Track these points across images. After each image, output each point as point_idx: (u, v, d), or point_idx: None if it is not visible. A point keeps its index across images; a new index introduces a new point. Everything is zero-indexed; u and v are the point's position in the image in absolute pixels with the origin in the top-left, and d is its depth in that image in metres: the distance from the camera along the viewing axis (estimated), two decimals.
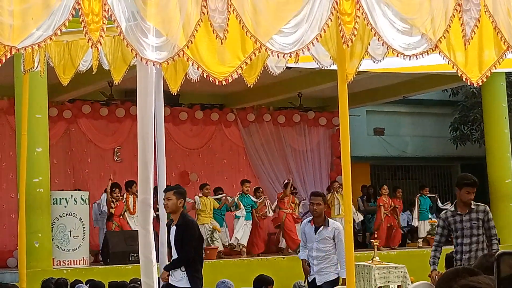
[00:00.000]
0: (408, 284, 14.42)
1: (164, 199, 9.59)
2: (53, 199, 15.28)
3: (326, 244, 10.52)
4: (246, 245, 18.55)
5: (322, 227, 10.54)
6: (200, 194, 18.45)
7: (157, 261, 7.39)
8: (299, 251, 11.37)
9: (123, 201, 17.48)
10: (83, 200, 15.89)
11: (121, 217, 17.33)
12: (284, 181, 20.37)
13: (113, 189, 17.42)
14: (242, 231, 18.52)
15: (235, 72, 6.67)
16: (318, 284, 10.56)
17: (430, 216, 20.69)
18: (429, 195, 21.37)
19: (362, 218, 20.79)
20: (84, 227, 15.74)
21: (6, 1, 6.05)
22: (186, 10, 6.42)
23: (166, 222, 9.78)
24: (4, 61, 6.15)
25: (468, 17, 7.08)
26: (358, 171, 20.38)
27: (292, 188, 19.87)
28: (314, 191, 11.64)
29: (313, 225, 10.61)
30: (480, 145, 23.60)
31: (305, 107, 21.93)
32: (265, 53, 7.13)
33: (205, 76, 6.69)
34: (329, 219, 10.91)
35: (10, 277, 14.81)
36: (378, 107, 24.49)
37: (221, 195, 18.88)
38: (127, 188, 17.67)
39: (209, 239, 17.68)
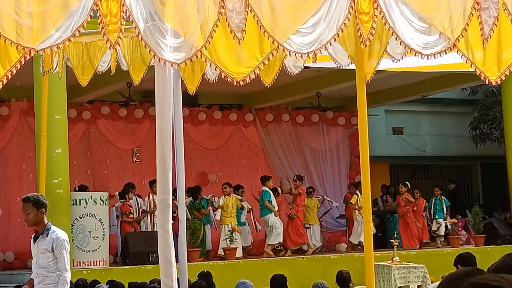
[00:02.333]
0: (428, 284, 14.40)
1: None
2: (73, 200, 15.33)
3: (46, 259, 8.57)
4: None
5: (40, 237, 8.62)
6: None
7: (177, 261, 7.39)
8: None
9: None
10: (102, 201, 15.93)
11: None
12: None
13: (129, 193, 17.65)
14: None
15: (253, 73, 6.67)
16: None
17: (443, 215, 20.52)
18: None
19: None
20: (103, 228, 15.78)
21: (25, 3, 6.08)
22: (204, 11, 6.43)
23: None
24: (23, 62, 6.18)
25: (486, 16, 7.05)
26: (377, 170, 20.33)
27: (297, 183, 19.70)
28: (23, 197, 8.81)
29: (33, 234, 8.81)
30: (500, 144, 23.47)
31: (323, 107, 21.90)
32: (282, 53, 7.13)
33: (222, 77, 6.70)
34: (54, 227, 8.77)
35: None
36: (397, 106, 24.42)
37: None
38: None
39: (228, 239, 17.67)
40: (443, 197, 20.90)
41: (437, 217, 20.41)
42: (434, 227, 20.35)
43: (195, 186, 18.80)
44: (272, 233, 18.38)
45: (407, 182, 20.88)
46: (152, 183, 17.71)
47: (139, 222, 17.72)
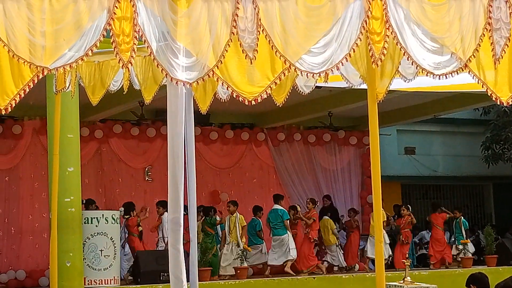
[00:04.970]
0: None
1: None
2: (85, 219, 15.34)
3: None
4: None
5: None
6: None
7: (188, 280, 7.39)
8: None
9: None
10: (114, 219, 15.93)
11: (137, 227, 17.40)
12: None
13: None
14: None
15: (265, 92, 6.69)
16: None
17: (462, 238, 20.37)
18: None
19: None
20: (115, 247, 15.78)
21: (38, 23, 6.12)
22: (216, 31, 6.46)
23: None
24: (36, 81, 6.22)
25: (498, 36, 7.06)
26: (389, 190, 20.29)
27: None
28: None
29: None
30: None
31: (335, 126, 21.89)
32: (294, 73, 7.15)
33: (234, 96, 6.72)
34: None
35: None
36: (409, 126, 24.39)
37: None
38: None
39: (239, 259, 17.63)
40: (462, 219, 20.73)
41: (456, 243, 20.27)
42: (454, 252, 20.19)
43: (208, 206, 18.67)
44: (289, 251, 18.25)
45: (409, 206, 20.79)
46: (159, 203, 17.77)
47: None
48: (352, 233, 20.34)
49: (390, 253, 19.50)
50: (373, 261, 18.90)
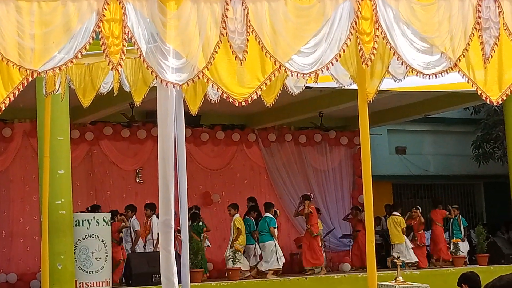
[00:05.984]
0: None
1: None
2: (76, 221, 15.30)
3: None
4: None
5: None
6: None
7: (179, 282, 7.38)
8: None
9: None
10: (105, 221, 15.89)
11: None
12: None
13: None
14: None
15: (255, 93, 6.69)
16: None
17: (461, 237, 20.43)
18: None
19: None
20: (106, 249, 15.75)
21: (28, 26, 6.11)
22: (206, 32, 6.46)
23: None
24: (25, 84, 6.20)
25: (487, 36, 7.08)
26: (380, 190, 20.33)
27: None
28: None
29: None
30: (503, 163, 23.47)
31: (326, 127, 21.89)
32: (284, 73, 7.16)
33: (224, 97, 6.72)
34: None
35: None
36: (400, 126, 24.43)
37: None
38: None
39: (231, 260, 17.63)
40: (461, 217, 20.79)
41: (454, 239, 20.31)
42: (451, 248, 20.27)
43: (194, 212, 18.53)
44: (274, 258, 18.25)
45: (418, 207, 20.79)
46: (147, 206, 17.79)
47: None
48: (360, 232, 20.25)
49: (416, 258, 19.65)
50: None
